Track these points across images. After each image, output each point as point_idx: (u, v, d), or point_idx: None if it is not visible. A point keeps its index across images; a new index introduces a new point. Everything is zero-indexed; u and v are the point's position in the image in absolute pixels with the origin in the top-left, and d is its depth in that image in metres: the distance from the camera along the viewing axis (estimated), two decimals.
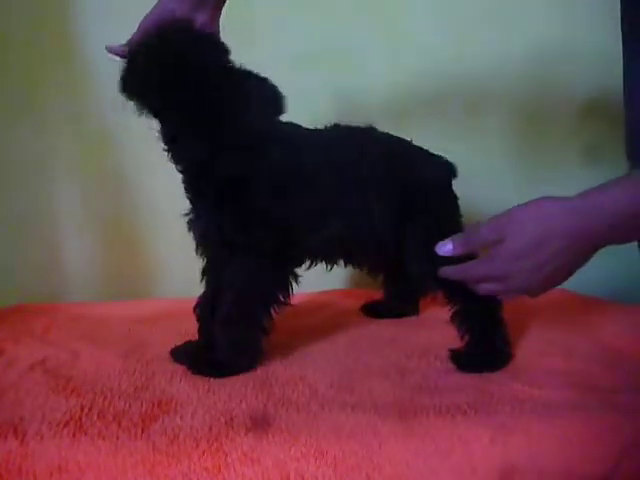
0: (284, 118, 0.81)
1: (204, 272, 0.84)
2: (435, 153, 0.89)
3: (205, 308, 0.83)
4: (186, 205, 0.80)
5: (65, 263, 1.19)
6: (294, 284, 0.81)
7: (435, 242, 0.69)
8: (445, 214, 0.86)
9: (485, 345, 0.82)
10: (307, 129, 0.82)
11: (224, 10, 1.11)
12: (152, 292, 1.21)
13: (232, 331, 0.79)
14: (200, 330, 0.84)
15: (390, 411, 0.67)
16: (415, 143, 0.89)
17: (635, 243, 0.85)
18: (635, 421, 0.65)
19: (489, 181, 1.18)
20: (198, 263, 0.83)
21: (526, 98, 0.96)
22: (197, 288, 1.12)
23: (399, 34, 1.11)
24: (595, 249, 0.62)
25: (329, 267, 0.89)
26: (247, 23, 1.10)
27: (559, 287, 1.08)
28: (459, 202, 0.89)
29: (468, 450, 0.62)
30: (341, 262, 0.90)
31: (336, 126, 0.84)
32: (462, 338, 0.83)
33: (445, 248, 0.66)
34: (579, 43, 1.04)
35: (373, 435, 0.63)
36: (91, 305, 1.11)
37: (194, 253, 0.82)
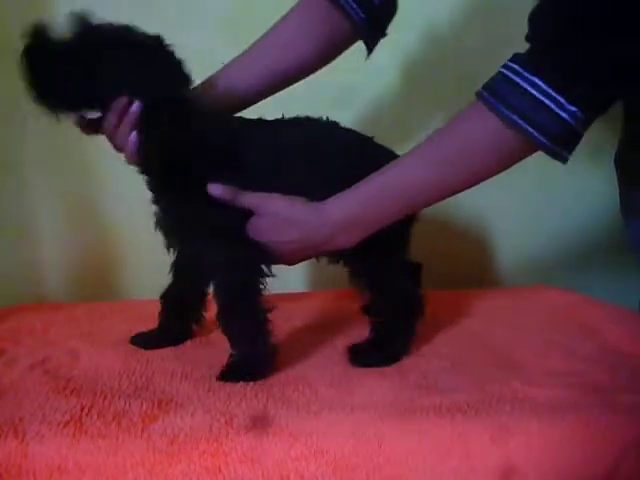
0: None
1: (173, 264, 0.86)
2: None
3: (171, 298, 0.88)
4: None
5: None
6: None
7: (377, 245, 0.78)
8: None
9: (387, 340, 0.84)
10: (265, 122, 0.83)
11: (224, 10, 1.12)
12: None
13: (235, 324, 0.79)
14: (160, 317, 0.88)
15: (390, 411, 0.67)
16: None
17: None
18: (635, 421, 0.65)
19: (490, 180, 1.18)
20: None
21: None
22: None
23: (400, 33, 1.11)
24: (317, 249, 0.79)
25: None
26: (247, 23, 1.10)
27: (560, 287, 1.10)
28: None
29: (468, 450, 0.62)
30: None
31: (296, 119, 0.84)
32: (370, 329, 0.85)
33: (214, 187, 0.75)
34: None
35: (373, 435, 0.63)
36: (91, 305, 1.11)
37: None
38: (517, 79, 0.65)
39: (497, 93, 0.67)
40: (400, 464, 0.61)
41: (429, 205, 0.76)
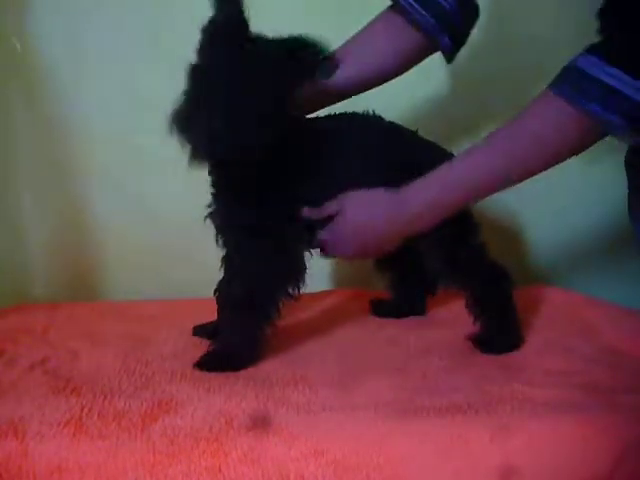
0: None
1: (223, 260, 0.87)
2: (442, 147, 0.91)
3: (222, 294, 0.88)
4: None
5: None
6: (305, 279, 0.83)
7: (440, 237, 0.84)
8: None
9: (503, 326, 0.87)
10: (317, 117, 0.87)
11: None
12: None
13: (240, 318, 0.81)
14: (218, 313, 0.88)
15: (390, 411, 0.67)
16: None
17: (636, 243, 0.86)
18: (635, 421, 0.65)
19: None
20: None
21: (528, 97, 0.97)
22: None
23: None
24: (401, 235, 0.82)
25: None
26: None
27: (559, 287, 1.10)
28: None
29: (468, 450, 0.62)
30: None
31: (344, 114, 0.87)
32: (475, 322, 0.87)
33: (305, 211, 0.83)
34: (579, 40, 1.05)
35: (373, 435, 0.63)
36: (91, 305, 1.11)
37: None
38: (596, 71, 0.68)
39: (575, 86, 0.69)
40: (400, 464, 0.61)
41: (502, 189, 0.80)
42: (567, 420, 0.65)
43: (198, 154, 0.72)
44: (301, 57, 0.74)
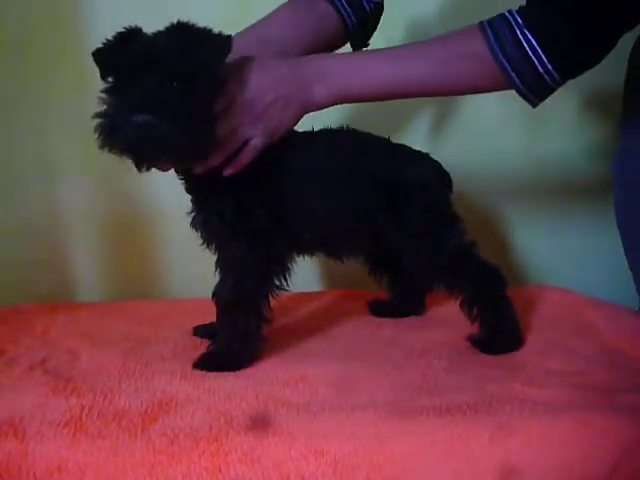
0: None
1: (217, 263, 0.87)
2: (420, 150, 0.92)
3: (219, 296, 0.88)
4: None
5: (69, 264, 1.20)
6: (291, 273, 0.84)
7: (424, 238, 0.86)
8: (432, 209, 0.89)
9: (500, 326, 0.86)
10: (298, 132, 0.86)
11: (222, 10, 1.12)
12: (155, 292, 1.22)
13: (233, 319, 0.81)
14: (217, 316, 0.88)
15: (390, 411, 0.67)
16: (408, 141, 0.90)
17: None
18: (635, 421, 0.65)
19: (493, 178, 1.18)
20: (199, 263, 0.85)
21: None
22: (198, 287, 1.11)
23: (398, 34, 1.11)
24: (298, 100, 0.77)
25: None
26: (246, 24, 1.10)
27: (559, 287, 1.09)
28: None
29: (468, 450, 0.62)
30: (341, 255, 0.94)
31: (324, 129, 0.88)
32: (472, 323, 0.87)
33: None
34: None
35: (373, 435, 0.63)
36: (91, 305, 1.11)
37: (195, 252, 0.84)
38: (516, 29, 0.73)
39: (498, 35, 0.74)
40: (400, 464, 0.61)
41: (406, 96, 0.82)
42: (567, 420, 0.65)
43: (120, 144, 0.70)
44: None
